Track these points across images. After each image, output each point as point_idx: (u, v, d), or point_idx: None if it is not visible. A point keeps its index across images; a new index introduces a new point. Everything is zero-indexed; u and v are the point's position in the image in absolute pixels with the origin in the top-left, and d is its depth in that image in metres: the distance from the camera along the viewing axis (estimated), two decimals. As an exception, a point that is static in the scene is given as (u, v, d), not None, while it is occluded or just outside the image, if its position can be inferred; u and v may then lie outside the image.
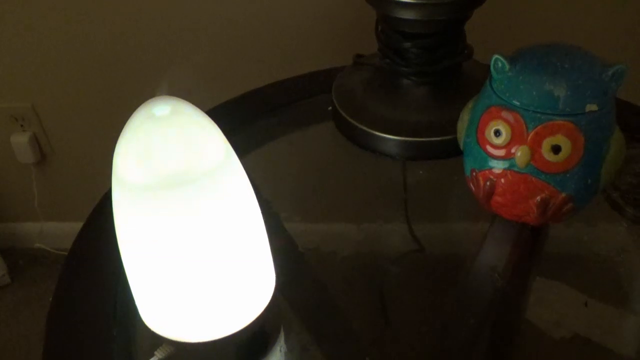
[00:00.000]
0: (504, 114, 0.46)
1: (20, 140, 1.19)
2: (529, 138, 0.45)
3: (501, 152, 0.47)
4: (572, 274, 0.52)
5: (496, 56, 0.47)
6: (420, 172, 0.61)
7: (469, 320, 0.48)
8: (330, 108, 0.66)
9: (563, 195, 0.47)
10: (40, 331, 1.09)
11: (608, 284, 0.50)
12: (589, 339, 0.46)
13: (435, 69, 0.60)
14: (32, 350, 1.15)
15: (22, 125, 1.19)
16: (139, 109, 0.36)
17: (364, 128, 0.61)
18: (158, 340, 0.42)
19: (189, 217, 0.35)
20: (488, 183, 0.49)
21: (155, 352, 0.42)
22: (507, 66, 0.46)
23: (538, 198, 0.47)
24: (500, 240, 0.55)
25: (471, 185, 0.51)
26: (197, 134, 0.36)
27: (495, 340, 0.48)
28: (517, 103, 0.46)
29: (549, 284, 0.52)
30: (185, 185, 0.34)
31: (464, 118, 0.52)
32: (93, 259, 0.53)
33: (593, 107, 0.44)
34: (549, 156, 0.45)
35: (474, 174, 0.50)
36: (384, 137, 0.60)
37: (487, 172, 0.49)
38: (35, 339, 1.17)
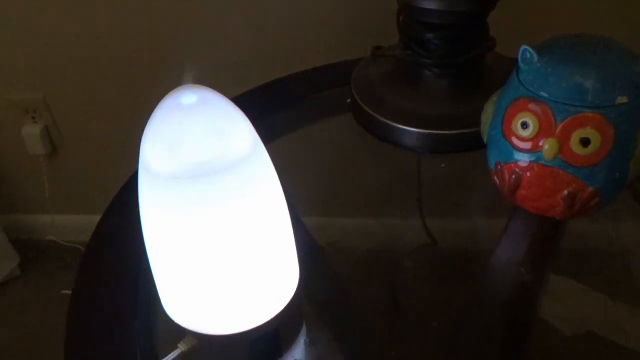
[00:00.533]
0: (532, 105, 0.46)
1: (31, 132, 1.19)
2: (557, 130, 0.45)
3: (528, 145, 0.47)
4: (593, 269, 0.51)
5: (524, 47, 0.46)
6: (442, 165, 0.60)
7: (489, 314, 0.47)
8: (349, 100, 0.66)
9: (590, 189, 0.46)
10: (51, 323, 1.09)
11: (630, 281, 0.50)
12: (606, 337, 0.45)
13: (457, 60, 0.59)
14: (43, 342, 1.15)
15: (33, 117, 1.18)
16: (165, 97, 0.36)
17: (384, 120, 0.60)
18: (181, 333, 0.41)
19: (216, 208, 0.35)
20: (513, 176, 0.48)
21: (179, 344, 0.41)
22: (536, 57, 0.45)
23: (565, 192, 0.46)
24: (521, 235, 0.54)
25: (495, 178, 0.50)
26: (225, 123, 0.36)
27: (513, 336, 0.47)
28: (545, 95, 0.45)
29: (568, 279, 0.51)
30: (213, 175, 0.34)
31: (488, 110, 0.52)
32: (114, 249, 0.52)
33: (623, 100, 0.44)
34: (577, 149, 0.45)
35: (499, 167, 0.49)
36: (404, 129, 0.59)
37: (512, 165, 0.48)
38: (46, 330, 1.17)
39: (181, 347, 0.41)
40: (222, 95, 0.37)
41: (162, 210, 0.35)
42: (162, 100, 0.35)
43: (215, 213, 0.35)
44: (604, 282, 0.50)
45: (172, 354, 0.41)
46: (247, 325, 0.40)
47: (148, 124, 0.35)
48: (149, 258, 0.39)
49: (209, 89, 0.36)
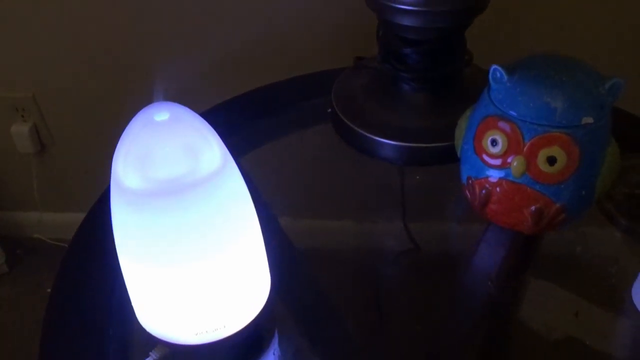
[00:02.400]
0: (501, 124, 0.47)
1: (20, 130, 1.19)
2: (525, 148, 0.46)
3: (497, 162, 0.48)
4: (564, 282, 0.52)
5: (495, 66, 0.47)
6: (417, 177, 0.61)
7: (462, 324, 0.48)
8: (329, 110, 0.67)
9: (557, 205, 0.47)
10: (37, 321, 1.10)
11: (600, 292, 0.51)
12: (586, 342, 0.46)
13: (435, 74, 0.60)
14: (28, 339, 1.16)
15: (22, 116, 1.19)
16: (138, 114, 0.36)
17: (363, 132, 0.61)
18: (153, 341, 0.42)
19: (186, 222, 0.36)
20: (484, 191, 0.49)
21: (150, 353, 0.42)
22: (506, 77, 0.47)
23: (532, 208, 0.48)
24: (495, 247, 0.55)
25: (467, 192, 0.52)
26: (196, 141, 0.36)
27: (487, 346, 0.48)
28: (514, 113, 0.46)
29: (541, 289, 0.52)
30: (183, 191, 0.35)
31: (462, 126, 0.53)
32: (91, 257, 0.53)
33: (589, 120, 0.45)
34: (544, 167, 0.46)
35: (470, 181, 0.50)
36: (381, 141, 0.60)
37: (483, 180, 0.49)
38: (31, 328, 1.17)
39: (153, 356, 0.42)
40: (193, 112, 0.38)
41: (133, 224, 0.36)
42: (135, 116, 0.36)
43: (185, 227, 0.36)
44: (583, 287, 0.51)
45: (143, 362, 0.42)
46: (218, 335, 0.41)
47: (120, 140, 0.36)
48: (122, 269, 0.40)
49: (181, 105, 0.37)
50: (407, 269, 0.54)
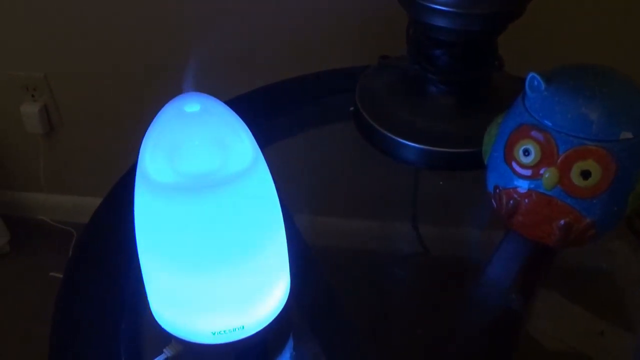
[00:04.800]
0: (535, 133, 0.46)
1: (30, 110, 1.18)
2: (559, 160, 0.44)
3: (528, 172, 0.46)
4: (584, 295, 0.51)
5: (532, 74, 0.46)
6: (441, 182, 0.60)
7: (475, 334, 0.47)
8: (352, 108, 0.65)
9: (588, 220, 0.46)
10: (35, 303, 1.09)
11: (616, 300, 0.50)
12: (589, 355, 0.46)
13: (464, 78, 0.59)
14: (28, 321, 1.15)
15: (33, 95, 1.17)
16: (167, 104, 0.35)
17: (386, 132, 0.59)
18: (167, 338, 0.41)
19: (214, 220, 0.34)
20: (512, 202, 0.48)
21: (164, 350, 0.41)
22: (543, 85, 0.45)
23: (562, 222, 0.46)
24: (513, 259, 0.54)
25: (493, 201, 0.50)
26: (227, 134, 0.35)
27: (497, 356, 0.47)
28: (550, 124, 0.45)
29: (554, 294, 0.51)
30: (213, 188, 0.33)
31: (492, 132, 0.51)
32: (104, 247, 0.52)
33: (628, 135, 0.43)
34: (577, 181, 0.44)
35: (498, 190, 0.49)
36: (406, 144, 0.59)
37: (511, 190, 0.48)
38: (32, 310, 1.16)
39: (167, 353, 0.41)
40: (224, 105, 0.36)
41: (157, 218, 0.35)
42: (165, 107, 0.35)
43: (210, 223, 0.35)
44: (590, 299, 0.50)
45: (157, 358, 0.41)
46: (235, 336, 0.40)
47: (148, 130, 0.35)
48: (140, 261, 0.39)
49: (212, 97, 0.36)
50: (416, 273, 0.53)
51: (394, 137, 0.59)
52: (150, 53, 1.05)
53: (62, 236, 1.30)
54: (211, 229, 0.34)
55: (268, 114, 0.67)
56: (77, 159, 1.26)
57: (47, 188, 1.31)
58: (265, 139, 0.63)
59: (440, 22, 0.54)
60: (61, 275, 0.49)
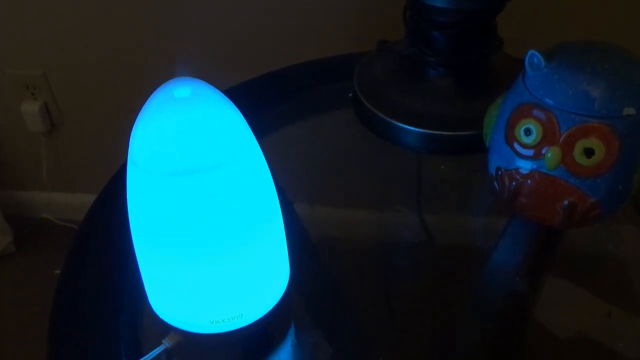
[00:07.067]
0: (536, 112, 0.44)
1: (30, 108, 1.17)
2: (561, 139, 0.43)
3: (530, 152, 0.45)
4: (591, 278, 0.50)
5: (532, 51, 0.44)
6: (442, 166, 0.59)
7: (482, 320, 0.46)
8: (350, 94, 0.64)
9: (592, 200, 0.45)
10: (42, 302, 1.09)
11: (627, 286, 0.49)
12: (601, 342, 0.45)
13: (463, 60, 0.58)
14: (33, 320, 1.15)
15: (33, 94, 1.17)
16: (157, 90, 0.34)
17: (386, 117, 0.59)
18: (166, 328, 0.40)
19: (205, 205, 0.34)
20: (514, 183, 0.47)
21: (163, 341, 0.40)
22: (544, 62, 0.44)
23: (565, 202, 0.45)
24: (518, 242, 0.53)
25: (495, 184, 0.49)
26: (219, 119, 0.34)
27: (505, 342, 0.47)
28: (551, 102, 0.44)
29: (564, 282, 0.50)
30: (204, 172, 0.33)
31: (492, 114, 0.50)
32: (102, 240, 0.51)
33: (630, 111, 0.42)
34: (580, 159, 0.43)
35: (500, 172, 0.48)
36: (406, 129, 0.58)
37: (513, 171, 0.47)
38: (37, 309, 1.16)
39: (166, 344, 0.40)
40: (216, 89, 0.35)
41: (150, 206, 0.34)
42: (154, 92, 0.34)
43: (204, 210, 0.34)
44: (600, 286, 0.49)
45: (156, 349, 0.40)
46: (233, 325, 0.39)
47: (138, 116, 0.34)
48: (135, 252, 0.38)
49: (203, 81, 0.35)
50: (421, 260, 0.52)
51: (393, 121, 0.58)
52: (150, 49, 1.05)
53: (67, 234, 1.30)
54: (204, 215, 0.34)
55: (267, 102, 0.67)
56: (80, 156, 1.26)
57: (50, 186, 1.31)
58: (264, 127, 0.63)
59: (436, 2, 0.53)
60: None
